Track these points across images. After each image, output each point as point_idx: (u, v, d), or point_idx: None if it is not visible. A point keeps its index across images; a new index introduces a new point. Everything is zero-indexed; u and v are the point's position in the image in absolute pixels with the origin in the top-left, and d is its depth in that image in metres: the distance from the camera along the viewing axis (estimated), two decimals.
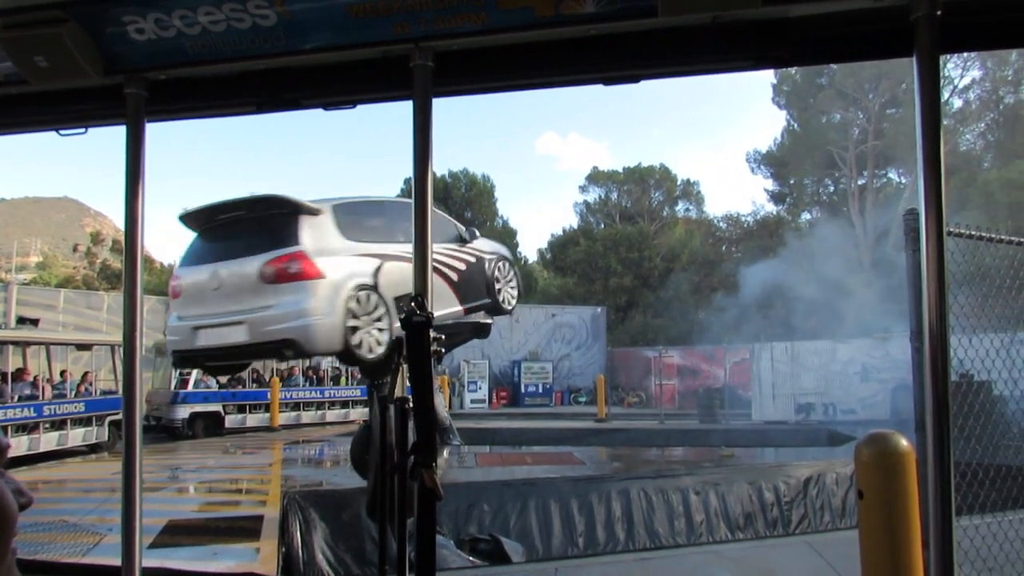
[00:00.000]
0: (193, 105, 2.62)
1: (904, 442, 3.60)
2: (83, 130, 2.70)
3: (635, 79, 2.33)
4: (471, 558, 8.02)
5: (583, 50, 2.25)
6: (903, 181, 35.70)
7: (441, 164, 43.73)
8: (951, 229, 4.01)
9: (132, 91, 2.47)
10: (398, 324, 2.07)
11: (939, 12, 1.98)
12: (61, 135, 2.70)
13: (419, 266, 2.27)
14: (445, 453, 14.13)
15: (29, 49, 2.31)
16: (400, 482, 2.11)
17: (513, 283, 9.07)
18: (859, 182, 36.80)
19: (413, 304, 2.10)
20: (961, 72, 34.91)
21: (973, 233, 3.75)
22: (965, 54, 31.82)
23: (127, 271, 2.51)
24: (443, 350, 10.50)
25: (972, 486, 5.12)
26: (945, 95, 34.76)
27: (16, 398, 15.68)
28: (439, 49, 2.27)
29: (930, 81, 2.01)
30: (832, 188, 40.06)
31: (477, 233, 9.20)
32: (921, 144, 2.01)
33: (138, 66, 2.41)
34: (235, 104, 2.58)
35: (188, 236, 7.74)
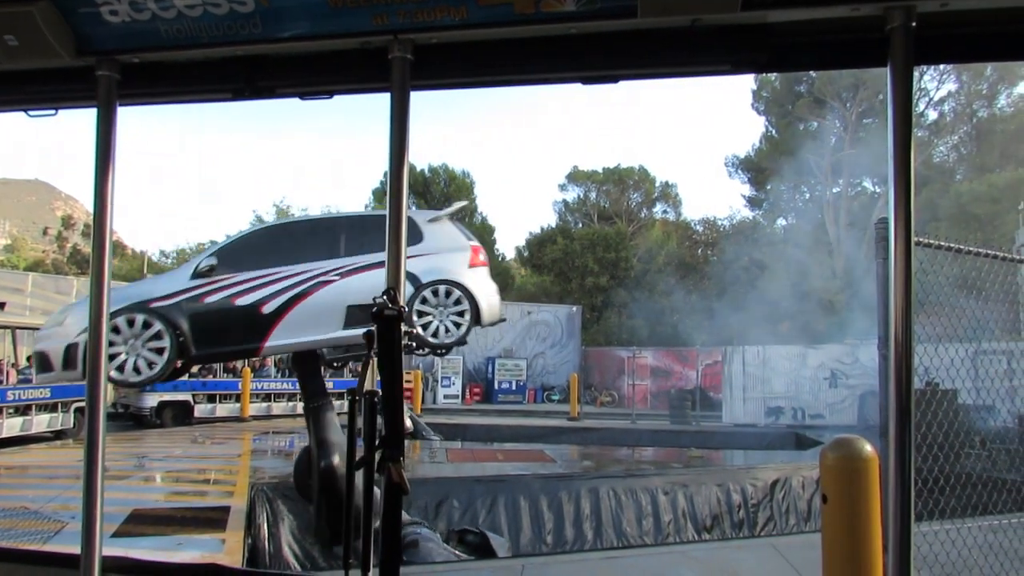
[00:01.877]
0: (167, 90, 2.57)
1: (868, 448, 3.65)
2: (53, 112, 2.64)
3: (614, 79, 2.33)
4: (457, 552, 8.04)
5: (562, 48, 2.25)
6: (877, 190, 36.20)
7: (422, 158, 43.57)
8: (919, 239, 4.07)
9: (104, 74, 2.42)
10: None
11: (914, 24, 2.00)
12: (30, 116, 2.64)
13: (392, 260, 2.26)
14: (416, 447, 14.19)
15: None
16: (367, 476, 2.10)
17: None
18: (834, 190, 37.25)
19: (385, 297, 2.09)
20: (937, 84, 35.48)
21: (941, 244, 3.80)
22: (942, 67, 32.33)
23: (95, 257, 2.46)
24: (414, 344, 10.38)
25: (933, 492, 5.21)
26: (920, 107, 35.31)
27: None
28: (418, 42, 2.25)
29: (903, 92, 2.03)
30: (808, 195, 40.52)
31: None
32: (892, 154, 2.03)
33: (111, 48, 2.36)
34: (210, 90, 2.54)
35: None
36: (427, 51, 2.28)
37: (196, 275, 7.48)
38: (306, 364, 8.21)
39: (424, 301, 7.72)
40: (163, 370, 7.24)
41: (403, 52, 2.24)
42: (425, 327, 7.62)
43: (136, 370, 7.10)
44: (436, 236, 8.14)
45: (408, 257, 8.01)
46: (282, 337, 7.48)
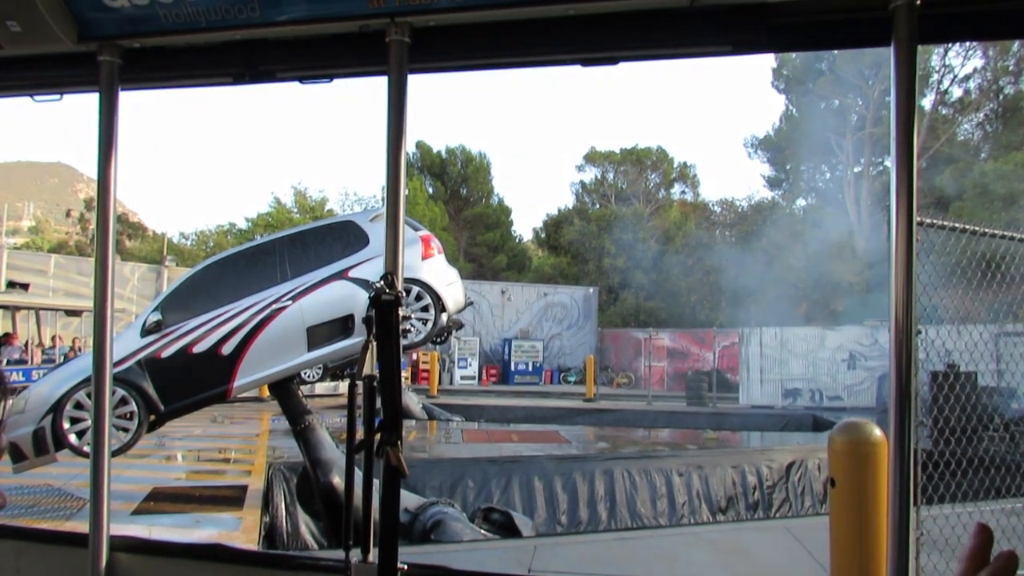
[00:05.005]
0: (168, 75, 2.57)
1: (877, 432, 3.64)
2: (58, 96, 2.66)
3: (613, 61, 2.30)
4: (483, 531, 8.15)
5: (561, 30, 2.22)
6: None
7: (439, 140, 43.44)
8: (933, 221, 4.02)
9: (106, 59, 2.43)
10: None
11: (918, 2, 1.96)
12: (35, 101, 2.66)
13: (391, 246, 2.27)
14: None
15: (1, 13, 2.28)
16: (366, 459, 2.12)
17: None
18: (856, 169, 36.75)
19: (383, 282, 2.11)
20: (962, 61, 34.77)
21: (945, 224, 3.75)
22: (968, 43, 31.64)
23: (99, 240, 2.49)
24: (454, 328, 9.96)
25: (945, 476, 5.18)
26: (945, 84, 34.68)
27: (5, 362, 15.68)
28: (415, 25, 2.24)
29: (907, 72, 2.00)
30: (828, 175, 40.01)
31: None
32: (895, 135, 2.00)
33: (112, 33, 2.37)
34: (211, 75, 2.54)
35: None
36: (425, 34, 2.27)
37: (146, 332, 7.35)
38: (279, 389, 8.10)
39: None
40: (137, 433, 7.20)
41: (400, 35, 2.23)
42: None
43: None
44: (382, 235, 7.46)
45: (356, 265, 7.74)
46: (249, 374, 7.34)
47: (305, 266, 7.59)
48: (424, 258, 7.73)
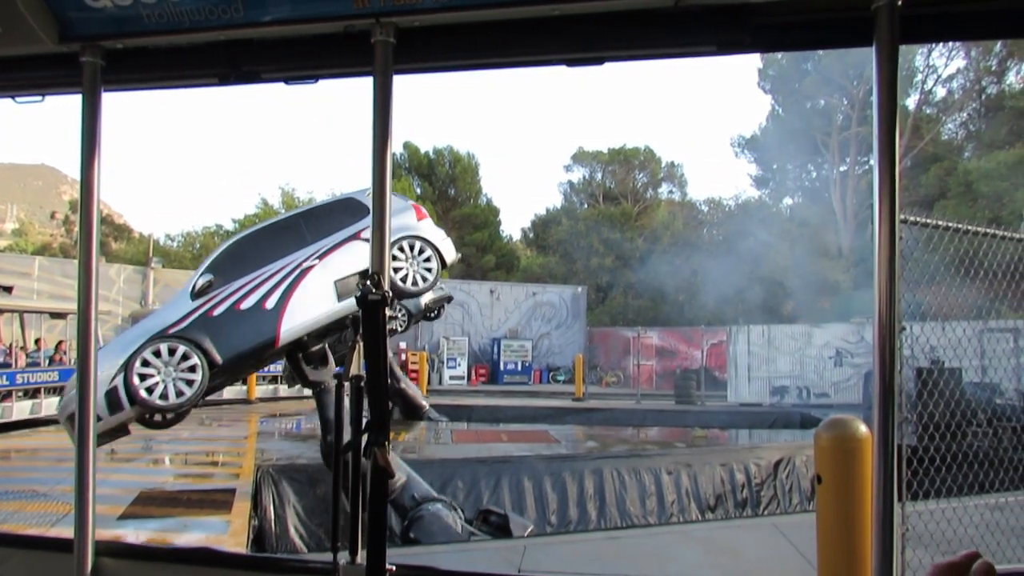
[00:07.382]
0: (152, 76, 2.55)
1: (863, 428, 3.66)
2: (40, 98, 2.64)
3: (599, 61, 2.31)
4: (476, 530, 8.31)
5: (546, 30, 2.22)
6: None
7: (426, 140, 43.33)
8: (916, 219, 4.05)
9: (88, 60, 2.41)
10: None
11: (899, 2, 1.98)
12: (17, 102, 2.64)
13: (377, 245, 2.26)
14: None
15: None
16: (354, 460, 2.12)
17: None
18: (841, 168, 36.98)
19: (369, 282, 2.10)
20: (946, 61, 35.07)
21: (928, 222, 3.78)
22: (951, 43, 31.89)
23: (82, 243, 2.47)
24: (399, 329, 11.21)
25: (929, 471, 5.22)
26: (929, 84, 34.97)
27: None
28: (400, 25, 2.23)
29: (889, 71, 2.01)
30: (815, 174, 40.24)
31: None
32: (877, 134, 2.01)
33: (94, 34, 2.35)
34: (195, 75, 2.52)
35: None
36: (410, 34, 2.26)
37: (196, 294, 8.24)
38: (292, 361, 8.95)
39: (394, 258, 8.61)
40: (201, 386, 7.85)
41: (385, 36, 2.22)
42: (403, 280, 8.63)
43: (178, 393, 7.75)
44: None
45: (365, 228, 8.20)
46: (292, 322, 8.23)
47: (324, 231, 8.75)
48: (419, 220, 8.98)
